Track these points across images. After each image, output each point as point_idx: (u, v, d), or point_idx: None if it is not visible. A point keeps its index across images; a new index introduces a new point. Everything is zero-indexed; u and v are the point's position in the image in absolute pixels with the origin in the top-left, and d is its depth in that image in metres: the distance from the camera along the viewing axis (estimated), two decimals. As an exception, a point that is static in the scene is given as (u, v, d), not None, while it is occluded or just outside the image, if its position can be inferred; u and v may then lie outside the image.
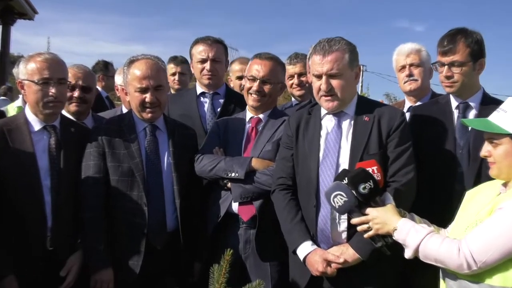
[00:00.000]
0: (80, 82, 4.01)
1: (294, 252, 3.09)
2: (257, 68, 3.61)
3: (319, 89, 3.08)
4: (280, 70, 3.74)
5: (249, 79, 3.64)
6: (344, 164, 3.00)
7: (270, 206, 3.31)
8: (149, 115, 3.43)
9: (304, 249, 3.04)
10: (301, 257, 3.06)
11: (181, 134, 3.61)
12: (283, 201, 3.19)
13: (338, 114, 3.13)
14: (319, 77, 3.06)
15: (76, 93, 3.98)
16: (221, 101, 4.35)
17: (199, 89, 4.42)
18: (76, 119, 3.92)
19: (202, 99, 4.38)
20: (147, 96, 3.37)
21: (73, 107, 4.01)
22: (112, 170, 3.35)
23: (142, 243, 3.29)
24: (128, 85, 3.48)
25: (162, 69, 3.52)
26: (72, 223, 3.29)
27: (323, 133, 3.15)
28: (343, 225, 2.99)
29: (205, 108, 4.32)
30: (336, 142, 3.07)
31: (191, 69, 4.58)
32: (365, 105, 3.16)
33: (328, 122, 3.17)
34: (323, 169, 3.05)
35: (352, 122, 3.09)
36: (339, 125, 3.12)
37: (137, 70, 3.40)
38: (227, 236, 3.46)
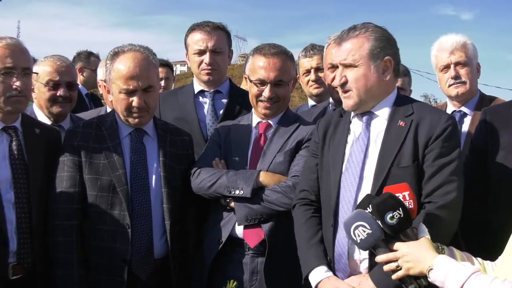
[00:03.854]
0: (65, 78, 3.73)
1: (306, 279, 2.81)
2: (265, 69, 3.27)
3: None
4: (290, 64, 3.41)
5: (255, 84, 3.30)
6: (369, 177, 2.72)
7: (283, 230, 3.07)
8: (136, 120, 3.15)
9: (317, 275, 2.76)
10: (313, 285, 2.78)
11: (174, 141, 3.31)
12: (301, 219, 2.94)
13: (367, 115, 2.85)
14: (334, 68, 2.91)
15: (61, 92, 3.70)
16: (224, 101, 3.96)
17: (198, 87, 3.99)
18: (54, 121, 3.71)
19: (201, 98, 3.97)
20: (134, 100, 3.07)
21: (57, 108, 3.72)
22: (89, 183, 3.06)
23: (124, 273, 3.00)
24: (111, 83, 3.14)
25: (153, 64, 3.19)
26: (44, 246, 3.00)
27: (350, 139, 2.87)
28: (364, 252, 2.68)
29: (205, 110, 3.92)
30: (361, 151, 2.78)
31: (187, 62, 4.15)
32: (404, 106, 2.83)
33: (356, 126, 2.89)
34: (344, 183, 2.78)
35: (385, 126, 2.79)
36: (367, 130, 2.83)
37: (123, 67, 3.07)
38: (229, 266, 3.18)
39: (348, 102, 2.81)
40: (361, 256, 2.70)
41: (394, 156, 2.67)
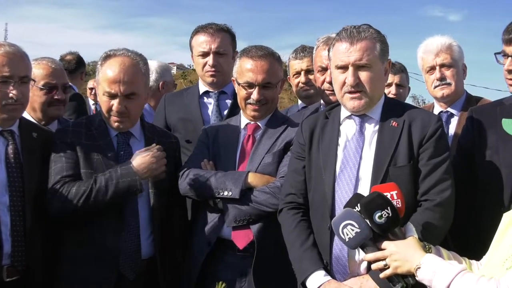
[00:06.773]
0: (61, 81, 3.72)
1: (304, 284, 2.75)
2: (253, 71, 3.23)
3: (343, 84, 2.77)
4: (278, 66, 3.35)
5: (243, 87, 3.26)
6: (366, 178, 2.71)
7: (271, 230, 3.04)
8: (116, 124, 3.14)
9: (316, 280, 2.71)
10: None
11: (161, 143, 3.25)
12: (291, 223, 2.89)
13: (361, 117, 2.83)
14: (343, 68, 2.77)
15: (58, 95, 3.67)
16: (229, 101, 3.95)
17: (202, 88, 4.01)
18: (44, 124, 3.63)
19: (205, 99, 3.98)
20: (114, 104, 3.07)
21: (53, 111, 3.69)
22: (85, 178, 3.04)
23: (113, 272, 3.00)
24: (98, 84, 3.17)
25: (141, 72, 3.16)
26: (41, 251, 3.00)
27: (341, 141, 2.84)
28: (363, 253, 2.63)
29: (209, 111, 3.93)
30: (356, 152, 2.76)
31: (193, 63, 4.18)
32: (394, 108, 2.85)
33: (348, 128, 2.86)
34: (340, 184, 2.75)
35: (377, 127, 2.79)
36: (361, 131, 2.81)
37: (109, 70, 3.07)
38: (218, 267, 3.17)
39: (358, 102, 2.76)
40: (361, 256, 2.67)
41: (390, 156, 2.68)
